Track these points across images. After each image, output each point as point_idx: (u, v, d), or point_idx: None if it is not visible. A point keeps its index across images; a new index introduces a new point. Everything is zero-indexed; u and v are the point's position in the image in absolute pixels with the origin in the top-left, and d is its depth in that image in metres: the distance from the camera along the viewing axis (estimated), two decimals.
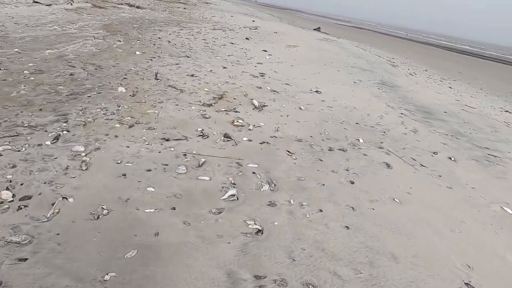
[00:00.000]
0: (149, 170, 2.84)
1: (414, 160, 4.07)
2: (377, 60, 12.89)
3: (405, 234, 2.61)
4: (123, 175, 2.71)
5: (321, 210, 2.72)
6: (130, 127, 3.57)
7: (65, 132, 3.23)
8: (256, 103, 4.94)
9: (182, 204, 2.51)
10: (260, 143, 3.73)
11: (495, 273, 2.39)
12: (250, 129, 4.05)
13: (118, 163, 2.87)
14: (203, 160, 3.15)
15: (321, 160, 3.59)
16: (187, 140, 3.51)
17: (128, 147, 3.16)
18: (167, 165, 2.97)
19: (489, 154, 4.83)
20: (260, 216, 2.52)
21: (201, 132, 3.74)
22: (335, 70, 8.95)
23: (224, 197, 2.66)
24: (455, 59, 23.52)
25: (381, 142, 4.43)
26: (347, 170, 3.48)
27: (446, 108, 7.20)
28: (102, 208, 2.30)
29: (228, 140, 3.67)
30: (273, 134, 4.05)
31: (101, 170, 2.73)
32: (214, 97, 4.96)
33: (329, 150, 3.90)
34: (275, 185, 2.97)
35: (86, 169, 2.70)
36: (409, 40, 31.87)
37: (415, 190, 3.33)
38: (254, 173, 3.10)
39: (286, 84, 6.46)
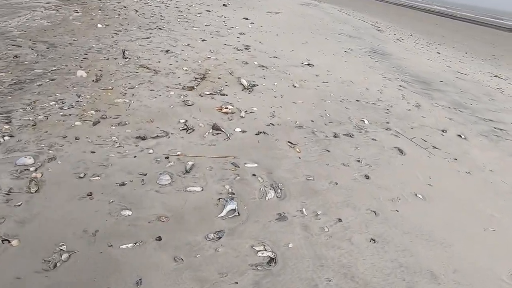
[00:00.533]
0: (123, 185, 2.21)
1: (425, 141, 3.64)
2: (362, 25, 12.15)
3: (439, 242, 2.20)
4: (88, 195, 2.07)
5: (340, 220, 2.23)
6: (94, 124, 2.84)
7: (7, 137, 2.48)
8: (245, 83, 4.25)
9: (169, 230, 1.93)
10: (256, 134, 3.13)
11: None
12: (242, 117, 3.42)
13: (80, 177, 2.21)
14: (190, 163, 2.53)
15: (328, 151, 3.07)
16: (168, 137, 2.84)
17: (94, 152, 2.48)
18: (145, 174, 2.34)
19: (495, 128, 4.50)
20: (270, 237, 2.00)
21: (185, 125, 3.08)
22: (323, 38, 8.21)
23: (222, 214, 2.10)
24: (435, 22, 23.05)
25: (387, 122, 3.95)
26: (358, 161, 2.99)
27: (441, 76, 6.79)
28: (61, 250, 1.69)
29: (218, 133, 3.04)
30: (269, 120, 3.45)
31: (58, 190, 2.07)
32: (195, 78, 4.21)
33: (335, 136, 3.37)
34: (281, 189, 2.43)
35: (36, 191, 2.03)
36: (387, 3, 30.98)
37: (435, 180, 2.92)
38: (254, 175, 2.54)
39: (275, 57, 5.74)
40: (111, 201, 2.05)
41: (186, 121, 3.15)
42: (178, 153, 2.64)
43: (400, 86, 5.51)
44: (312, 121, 3.62)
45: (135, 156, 2.51)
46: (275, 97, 4.07)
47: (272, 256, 1.87)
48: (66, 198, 2.02)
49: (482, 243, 2.28)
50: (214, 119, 3.26)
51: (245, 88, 4.17)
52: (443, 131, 4.02)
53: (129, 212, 1.99)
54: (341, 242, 2.05)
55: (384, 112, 4.24)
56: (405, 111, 4.42)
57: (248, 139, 3.02)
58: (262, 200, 2.29)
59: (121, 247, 1.77)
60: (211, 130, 3.07)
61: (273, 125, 3.37)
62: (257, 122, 3.37)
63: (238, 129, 3.15)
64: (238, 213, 2.13)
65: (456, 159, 3.39)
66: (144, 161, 2.47)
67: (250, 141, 3.01)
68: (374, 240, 2.11)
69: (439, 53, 10.04)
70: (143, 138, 2.76)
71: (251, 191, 2.36)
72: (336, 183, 2.61)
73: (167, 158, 2.56)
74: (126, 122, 2.94)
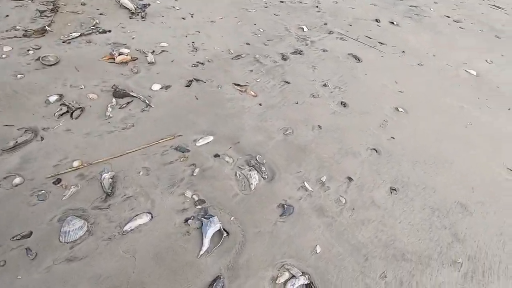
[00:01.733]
0: None
1: (370, 38, 3.14)
2: None
3: (444, 162, 1.90)
4: None
5: (350, 178, 1.66)
6: None
7: None
8: (129, 4, 2.73)
9: None
10: (187, 86, 2.05)
11: None
12: (151, 63, 2.18)
13: None
14: (107, 175, 1.43)
15: (288, 82, 2.27)
16: (41, 140, 1.54)
17: None
18: (28, 235, 1.19)
19: (410, 6, 4.29)
20: (287, 250, 1.31)
21: (63, 104, 1.74)
22: None
23: (205, 248, 1.26)
24: None
25: (325, 24, 3.22)
26: (325, 85, 2.32)
27: None
28: None
29: (128, 103, 1.84)
30: (194, 58, 2.31)
31: None
32: (40, 12, 2.46)
33: (283, 59, 2.53)
34: (263, 164, 1.64)
35: None
36: None
37: (401, 83, 2.54)
38: (217, 156, 1.63)
39: None
40: None
41: (61, 96, 1.79)
42: (75, 164, 1.46)
43: None
44: (248, 43, 2.62)
45: None
46: (183, 18, 2.77)
47: (306, 281, 1.22)
48: None
49: (471, 143, 2.09)
50: (109, 80, 1.96)
51: (132, 13, 2.68)
52: (376, 21, 3.56)
53: None
54: (366, 211, 1.52)
55: (316, 12, 3.45)
56: (332, 5, 3.72)
57: (179, 98, 1.94)
58: (248, 193, 1.49)
59: None
60: (114, 100, 1.83)
61: (202, 64, 2.27)
62: (178, 65, 2.21)
63: (156, 86, 1.98)
64: (227, 232, 1.32)
65: (404, 51, 3.04)
66: (12, 207, 1.26)
67: (184, 100, 1.94)
68: (395, 190, 1.65)
69: None
70: None
71: (227, 185, 1.51)
72: (320, 127, 1.94)
73: (58, 182, 1.37)
74: None
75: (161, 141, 1.63)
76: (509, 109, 2.51)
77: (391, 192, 1.64)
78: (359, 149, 1.85)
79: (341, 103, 2.19)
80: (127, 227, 1.26)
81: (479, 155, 1.99)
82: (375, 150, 1.87)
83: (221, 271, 1.20)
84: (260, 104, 2.02)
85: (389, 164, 1.80)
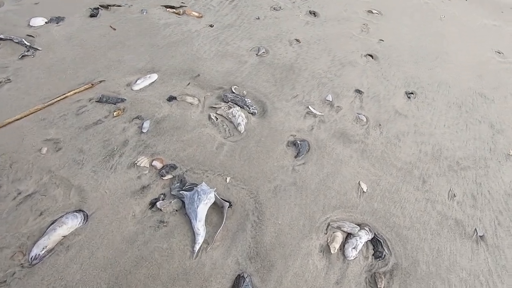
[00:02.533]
0: None
1: None
2: None
3: (443, 55, 1.60)
4: None
5: (359, 91, 1.23)
6: None
7: None
8: None
9: None
10: (92, 16, 1.31)
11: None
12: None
13: None
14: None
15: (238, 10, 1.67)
16: None
17: None
18: None
19: None
20: (328, 202, 0.84)
21: None
22: None
23: (200, 241, 0.71)
24: None
25: None
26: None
27: None
28: None
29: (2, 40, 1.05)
30: None
31: None
32: None
33: None
34: (243, 97, 1.09)
35: None
36: None
37: None
38: (173, 98, 1.02)
39: None
40: None
41: None
42: None
43: None
44: None
45: None
46: None
47: (370, 236, 0.78)
48: None
49: (453, 34, 1.84)
50: None
51: None
52: None
53: None
54: (395, 123, 1.13)
55: None
56: None
57: (86, 33, 1.21)
58: (238, 139, 0.95)
59: None
60: None
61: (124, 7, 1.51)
62: None
63: (38, 21, 1.21)
64: (228, 202, 0.79)
65: None
66: None
67: (95, 33, 1.22)
68: (412, 93, 1.29)
69: None
70: None
71: (202, 135, 0.94)
72: (297, 40, 1.44)
73: None
74: None
75: (68, 94, 0.95)
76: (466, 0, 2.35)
77: (409, 97, 1.27)
78: (354, 57, 1.42)
79: (310, 12, 1.70)
80: (37, 251, 0.63)
81: (467, 44, 1.76)
82: (370, 56, 1.46)
83: (240, 266, 0.68)
84: (211, 26, 1.41)
85: (393, 67, 1.42)
